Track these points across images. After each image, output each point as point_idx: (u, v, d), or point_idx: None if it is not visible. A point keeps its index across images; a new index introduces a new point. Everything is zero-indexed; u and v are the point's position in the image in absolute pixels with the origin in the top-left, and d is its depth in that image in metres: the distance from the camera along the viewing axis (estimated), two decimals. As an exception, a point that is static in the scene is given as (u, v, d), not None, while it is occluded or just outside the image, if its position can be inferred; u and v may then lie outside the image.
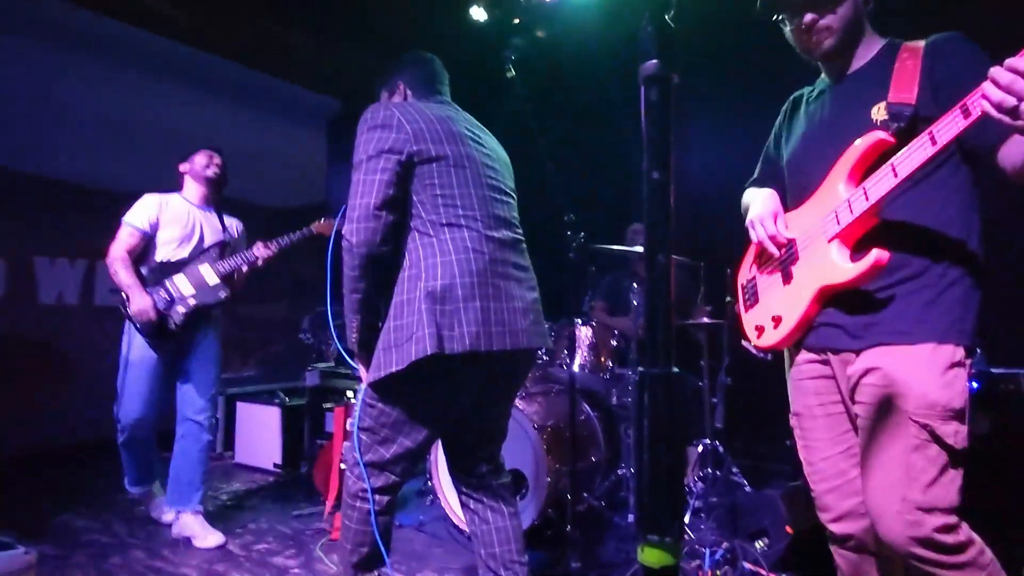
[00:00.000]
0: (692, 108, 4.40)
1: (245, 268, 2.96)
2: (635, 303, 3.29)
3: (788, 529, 2.49)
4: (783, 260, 1.56)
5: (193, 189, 3.00)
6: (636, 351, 3.26)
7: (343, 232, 1.68)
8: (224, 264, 2.90)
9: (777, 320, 1.55)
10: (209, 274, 2.87)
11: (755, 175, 1.85)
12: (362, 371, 1.80)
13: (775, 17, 1.55)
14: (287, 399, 3.97)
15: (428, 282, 1.65)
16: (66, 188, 4.28)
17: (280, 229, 2.84)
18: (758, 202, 1.64)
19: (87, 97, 4.38)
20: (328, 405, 3.69)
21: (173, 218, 2.89)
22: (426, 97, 1.96)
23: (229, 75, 5.06)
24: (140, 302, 2.73)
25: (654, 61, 0.79)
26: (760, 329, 1.61)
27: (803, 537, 2.49)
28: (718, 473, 3.08)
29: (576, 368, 3.06)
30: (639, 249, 3.23)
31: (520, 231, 1.92)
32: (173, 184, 3.01)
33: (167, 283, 2.83)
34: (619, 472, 3.07)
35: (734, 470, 3.22)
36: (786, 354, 1.65)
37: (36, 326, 4.07)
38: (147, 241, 2.86)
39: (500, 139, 2.01)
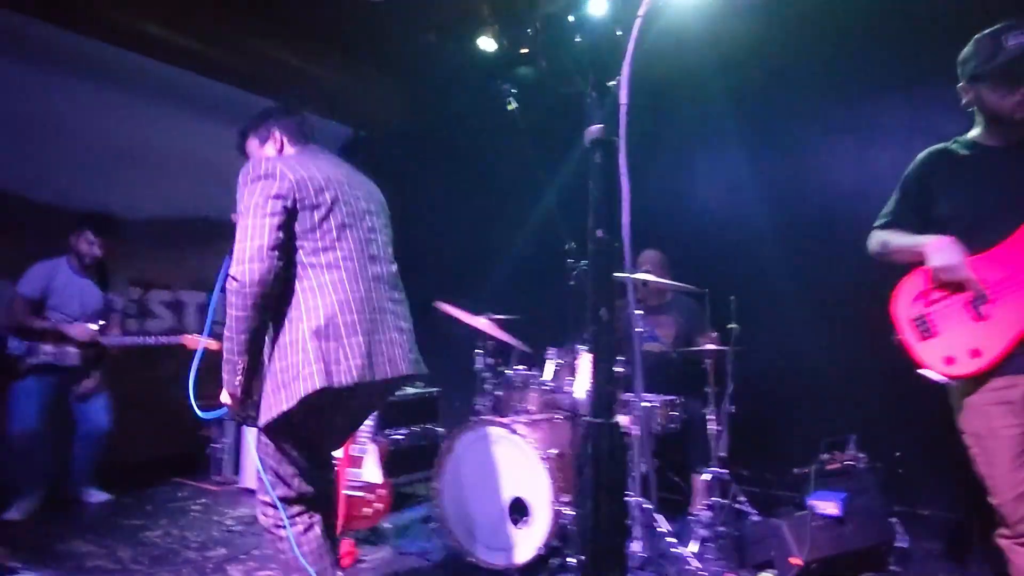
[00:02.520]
0: (696, 144, 4.46)
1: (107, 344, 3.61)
2: (638, 330, 3.28)
3: (794, 560, 2.46)
4: (973, 300, 1.79)
5: (76, 260, 3.60)
6: (641, 378, 3.25)
7: (232, 274, 1.74)
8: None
9: (976, 352, 1.77)
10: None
11: (890, 217, 2.04)
12: (231, 408, 1.85)
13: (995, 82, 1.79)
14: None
15: (311, 322, 1.77)
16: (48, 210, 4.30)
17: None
18: (943, 249, 1.82)
19: (102, 127, 4.47)
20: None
21: (59, 286, 3.52)
22: (301, 144, 2.14)
23: (241, 103, 5.15)
24: (75, 328, 3.45)
25: (599, 125, 0.83)
26: (950, 359, 1.81)
27: (810, 568, 2.46)
28: (724, 501, 3.05)
29: (580, 395, 3.05)
30: (644, 276, 3.25)
31: (395, 266, 2.07)
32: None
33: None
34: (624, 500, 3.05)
35: (740, 498, 3.19)
36: (961, 382, 1.82)
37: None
38: (38, 305, 3.47)
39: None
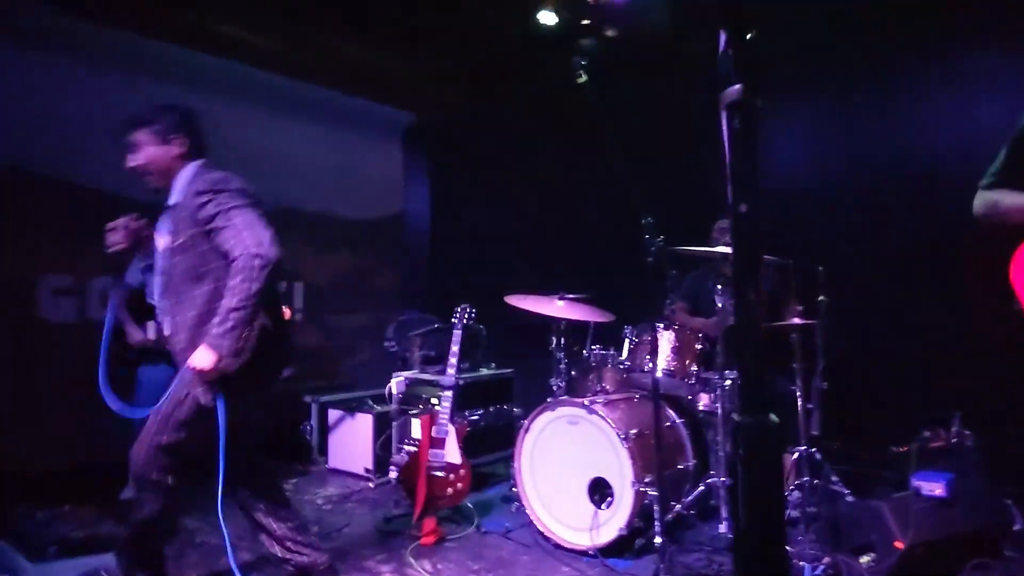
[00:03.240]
0: (783, 105, 4.20)
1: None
2: (719, 304, 3.16)
3: (897, 544, 2.33)
4: None
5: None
6: (721, 353, 3.14)
7: (254, 252, 1.99)
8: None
9: None
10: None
11: (999, 177, 1.95)
12: (205, 369, 2.00)
13: None
14: (376, 406, 4.09)
15: (263, 328, 2.13)
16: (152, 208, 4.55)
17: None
18: None
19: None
20: (414, 412, 3.77)
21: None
22: (203, 158, 2.31)
23: (305, 95, 5.24)
24: (138, 333, 3.55)
25: (737, 86, 0.75)
26: None
27: (915, 553, 2.32)
28: (816, 482, 2.92)
29: (659, 373, 2.99)
30: (722, 250, 3.11)
31: None
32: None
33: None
34: (708, 480, 2.97)
35: (833, 478, 3.05)
36: None
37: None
38: (140, 293, 3.42)
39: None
